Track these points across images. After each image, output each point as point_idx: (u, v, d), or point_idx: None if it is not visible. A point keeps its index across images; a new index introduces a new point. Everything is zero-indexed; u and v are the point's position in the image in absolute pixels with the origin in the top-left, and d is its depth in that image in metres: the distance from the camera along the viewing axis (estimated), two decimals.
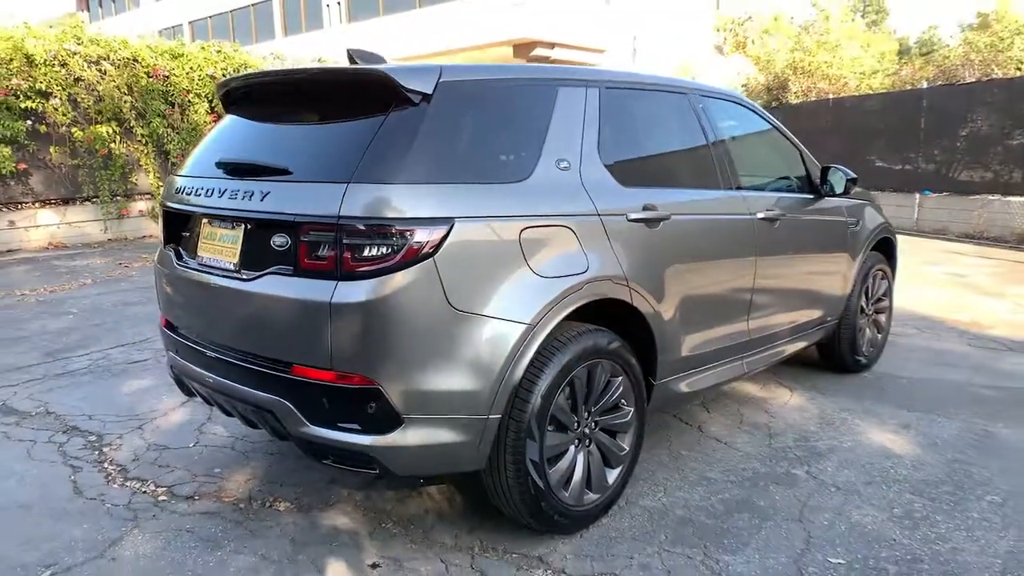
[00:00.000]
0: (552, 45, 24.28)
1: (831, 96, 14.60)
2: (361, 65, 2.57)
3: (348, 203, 2.22)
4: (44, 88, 9.51)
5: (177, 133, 10.85)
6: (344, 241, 2.23)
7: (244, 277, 2.49)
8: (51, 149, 9.89)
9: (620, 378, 2.82)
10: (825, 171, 4.02)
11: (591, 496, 2.77)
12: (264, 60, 12.65)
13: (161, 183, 10.34)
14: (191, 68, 11.00)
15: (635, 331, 2.92)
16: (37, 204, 10.07)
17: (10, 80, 9.15)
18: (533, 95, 2.76)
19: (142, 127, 10.53)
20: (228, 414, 2.81)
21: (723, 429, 3.78)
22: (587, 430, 2.75)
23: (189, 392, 3.01)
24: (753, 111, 3.93)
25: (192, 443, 3.58)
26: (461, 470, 2.49)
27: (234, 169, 2.63)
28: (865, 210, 4.55)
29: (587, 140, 2.80)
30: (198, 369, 2.75)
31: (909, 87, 14.10)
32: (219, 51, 11.56)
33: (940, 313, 6.28)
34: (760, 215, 3.55)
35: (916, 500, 3.03)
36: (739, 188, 3.51)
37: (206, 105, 11.13)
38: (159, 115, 10.65)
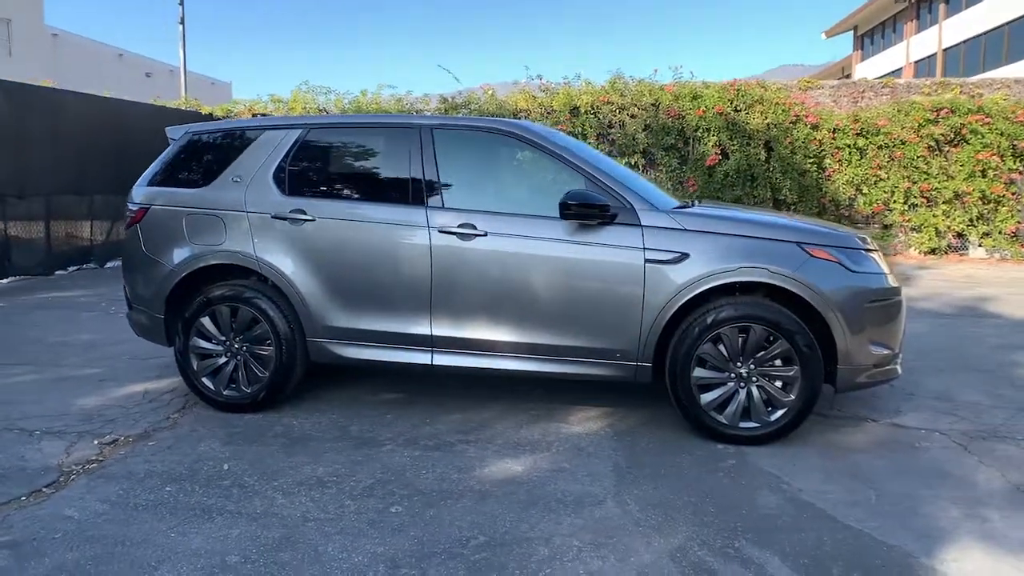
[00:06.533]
0: None
1: None
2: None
3: (132, 193, 4.61)
4: (582, 131, 13.02)
5: (684, 163, 12.84)
6: (126, 212, 4.62)
7: None
8: None
9: (261, 322, 4.21)
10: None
11: (232, 393, 4.25)
12: (768, 93, 12.95)
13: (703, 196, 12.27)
14: (704, 107, 12.71)
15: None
16: None
17: (556, 125, 12.88)
18: (240, 137, 4.38)
19: (664, 157, 12.92)
20: None
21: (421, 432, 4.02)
22: (234, 349, 4.27)
23: None
24: (528, 143, 4.06)
25: None
26: (160, 343, 4.51)
27: None
28: (712, 244, 3.70)
29: (267, 165, 4.24)
30: None
31: None
32: (738, 90, 12.82)
33: None
34: (444, 229, 3.91)
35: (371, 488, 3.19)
36: (429, 205, 3.95)
37: (714, 138, 12.64)
38: (665, 148, 12.86)
